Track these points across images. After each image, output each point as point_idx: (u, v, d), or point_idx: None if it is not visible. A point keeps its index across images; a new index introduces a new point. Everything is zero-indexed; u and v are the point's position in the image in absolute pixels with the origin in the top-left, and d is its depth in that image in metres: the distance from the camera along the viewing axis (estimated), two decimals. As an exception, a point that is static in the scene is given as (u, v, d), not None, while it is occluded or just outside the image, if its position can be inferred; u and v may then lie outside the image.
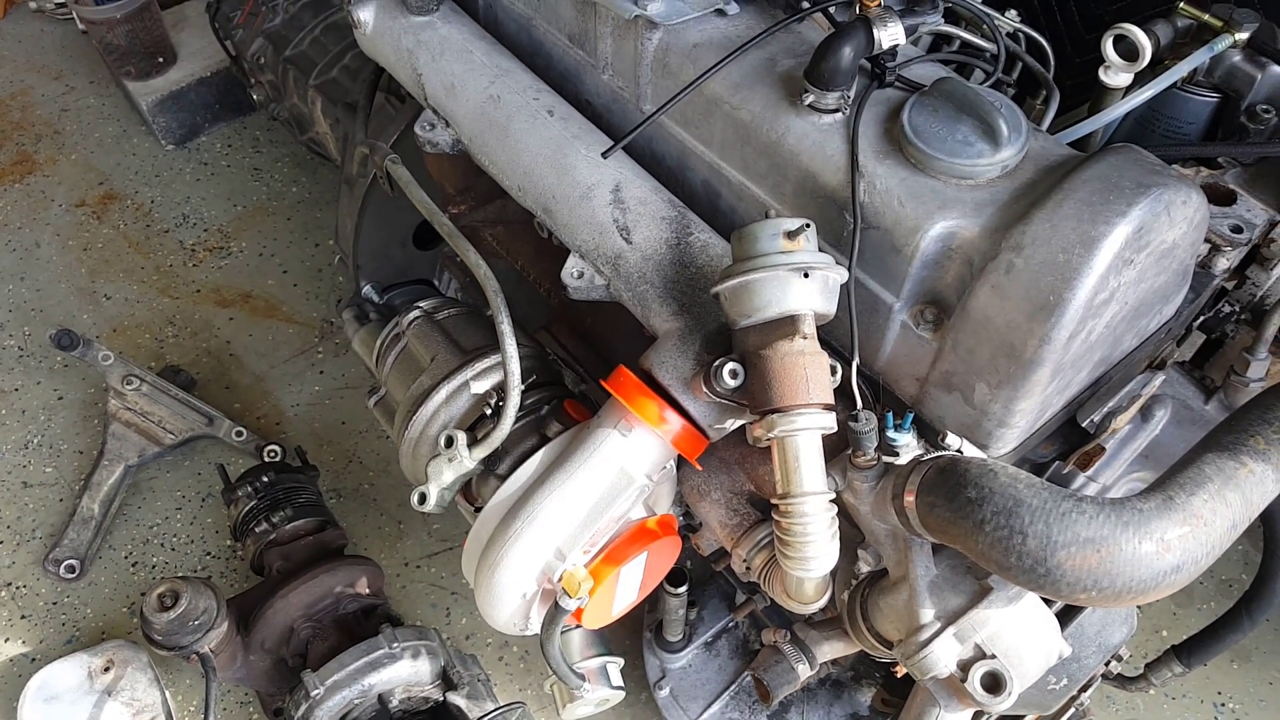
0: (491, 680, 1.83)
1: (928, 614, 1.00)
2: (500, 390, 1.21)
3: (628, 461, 1.08)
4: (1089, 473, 1.21)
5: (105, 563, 2.15)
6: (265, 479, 1.99)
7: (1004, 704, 0.96)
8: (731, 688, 1.79)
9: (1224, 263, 1.19)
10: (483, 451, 1.17)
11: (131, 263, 2.66)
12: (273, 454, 2.15)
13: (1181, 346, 1.41)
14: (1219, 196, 1.21)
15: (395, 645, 1.71)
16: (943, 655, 0.98)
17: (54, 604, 2.09)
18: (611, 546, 1.12)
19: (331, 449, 2.31)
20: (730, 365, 0.99)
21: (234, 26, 2.45)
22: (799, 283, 0.94)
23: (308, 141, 2.43)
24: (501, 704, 1.64)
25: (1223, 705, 1.99)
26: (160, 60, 2.84)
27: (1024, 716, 1.42)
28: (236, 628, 1.76)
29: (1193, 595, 2.12)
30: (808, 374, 0.95)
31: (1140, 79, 1.23)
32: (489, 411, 1.20)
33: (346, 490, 2.26)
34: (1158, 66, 1.23)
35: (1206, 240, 1.16)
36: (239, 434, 2.26)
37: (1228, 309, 1.33)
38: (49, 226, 2.74)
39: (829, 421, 0.97)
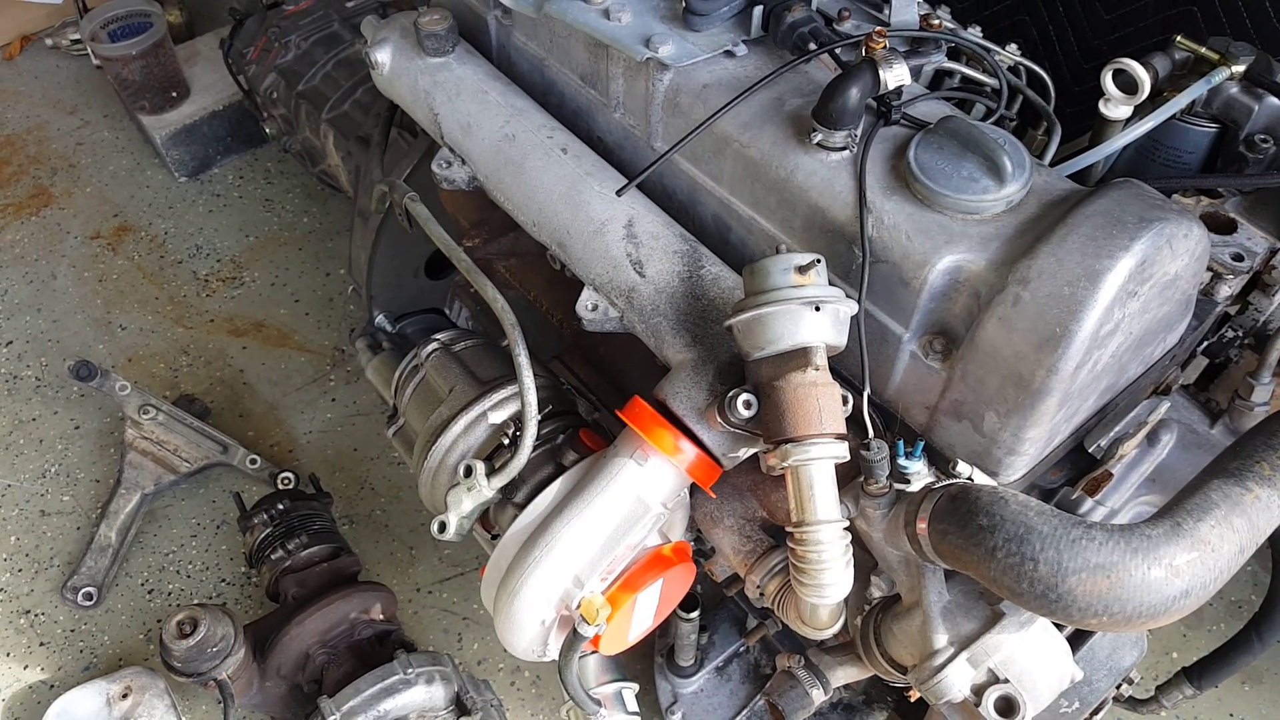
0: (504, 706, 1.84)
1: (941, 639, 1.01)
2: (517, 420, 1.23)
3: (644, 490, 1.10)
4: (1097, 498, 1.23)
5: (122, 590, 2.17)
6: (280, 506, 2.01)
7: (1018, 729, 0.98)
8: (743, 712, 1.80)
9: (1226, 290, 1.21)
10: (501, 480, 1.20)
11: (146, 293, 2.70)
12: (286, 481, 2.17)
13: (1185, 370, 1.43)
14: (1219, 225, 1.23)
15: (410, 671, 1.72)
16: (956, 680, 0.99)
17: (72, 631, 2.11)
18: (628, 574, 1.14)
19: (344, 475, 2.34)
20: (744, 396, 1.02)
21: (247, 62, 2.50)
22: (811, 316, 0.97)
23: (319, 174, 2.47)
24: (517, 730, 1.65)
25: (1235, 727, 1.99)
26: (174, 95, 2.89)
27: (1037, 739, 1.43)
28: (253, 654, 1.78)
29: (1202, 617, 2.13)
30: (820, 405, 0.97)
31: (1140, 111, 1.26)
32: (506, 441, 1.23)
33: (359, 517, 2.28)
34: (1156, 98, 1.26)
35: (1208, 268, 1.19)
36: (253, 461, 2.28)
37: (1231, 334, 1.35)
38: (65, 258, 2.78)
39: (842, 450, 0.99)
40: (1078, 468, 1.18)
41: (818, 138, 1.04)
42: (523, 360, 1.18)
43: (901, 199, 1.01)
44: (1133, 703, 1.63)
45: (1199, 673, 1.54)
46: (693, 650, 1.76)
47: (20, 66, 3.29)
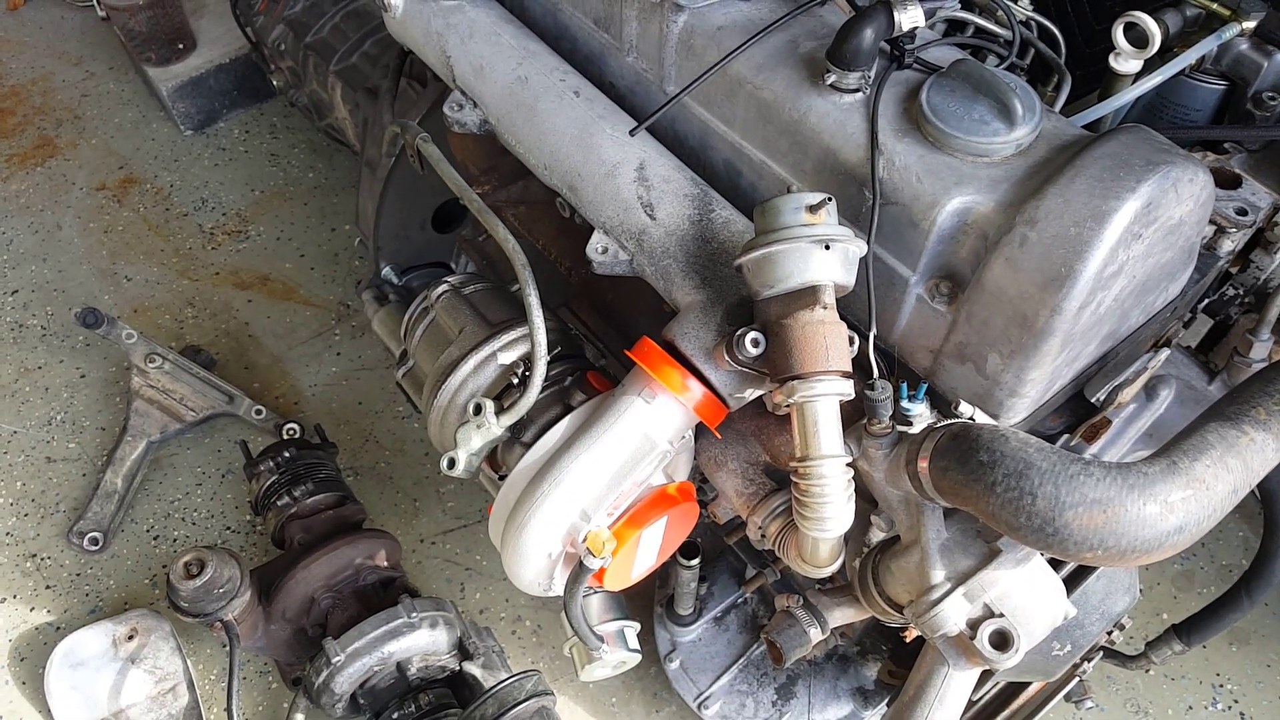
0: (505, 653, 1.87)
1: (938, 575, 1.03)
2: (527, 361, 1.25)
3: (651, 427, 1.12)
4: (1095, 447, 1.25)
5: (127, 536, 2.19)
6: (286, 454, 2.03)
7: (1011, 661, 1.00)
8: (740, 661, 1.83)
9: (1228, 244, 1.22)
10: (510, 419, 1.22)
11: (151, 245, 2.71)
12: (292, 431, 2.19)
13: (1187, 331, 1.45)
14: (1225, 180, 1.24)
15: (414, 615, 1.75)
16: (952, 614, 1.01)
17: (78, 575, 2.13)
18: (634, 510, 1.16)
19: (348, 428, 2.36)
20: (752, 334, 1.03)
21: (255, 13, 2.49)
22: (820, 254, 0.98)
23: (326, 128, 2.47)
24: (516, 672, 1.68)
25: (1220, 686, 2.03)
26: (180, 46, 2.88)
27: (1028, 684, 1.47)
28: (258, 598, 1.81)
29: (1193, 579, 2.16)
30: (827, 342, 0.99)
31: (1149, 66, 1.26)
32: (515, 381, 1.24)
33: (363, 469, 2.30)
34: (1166, 54, 1.27)
35: (1212, 222, 1.20)
36: (259, 412, 2.30)
37: (1232, 292, 1.37)
38: (70, 209, 2.78)
39: (847, 388, 1.01)
40: (1077, 415, 1.20)
41: (831, 79, 1.05)
42: (533, 300, 1.19)
43: (913, 141, 1.02)
44: (1122, 658, 1.66)
45: (1188, 629, 1.57)
46: (692, 599, 1.79)
47: (25, 17, 3.27)
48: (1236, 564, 2.17)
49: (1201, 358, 1.46)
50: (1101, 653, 1.48)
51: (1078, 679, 1.50)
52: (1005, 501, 0.90)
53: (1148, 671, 1.99)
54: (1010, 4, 1.23)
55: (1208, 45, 1.24)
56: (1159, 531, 0.87)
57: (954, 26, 1.26)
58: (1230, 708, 2.00)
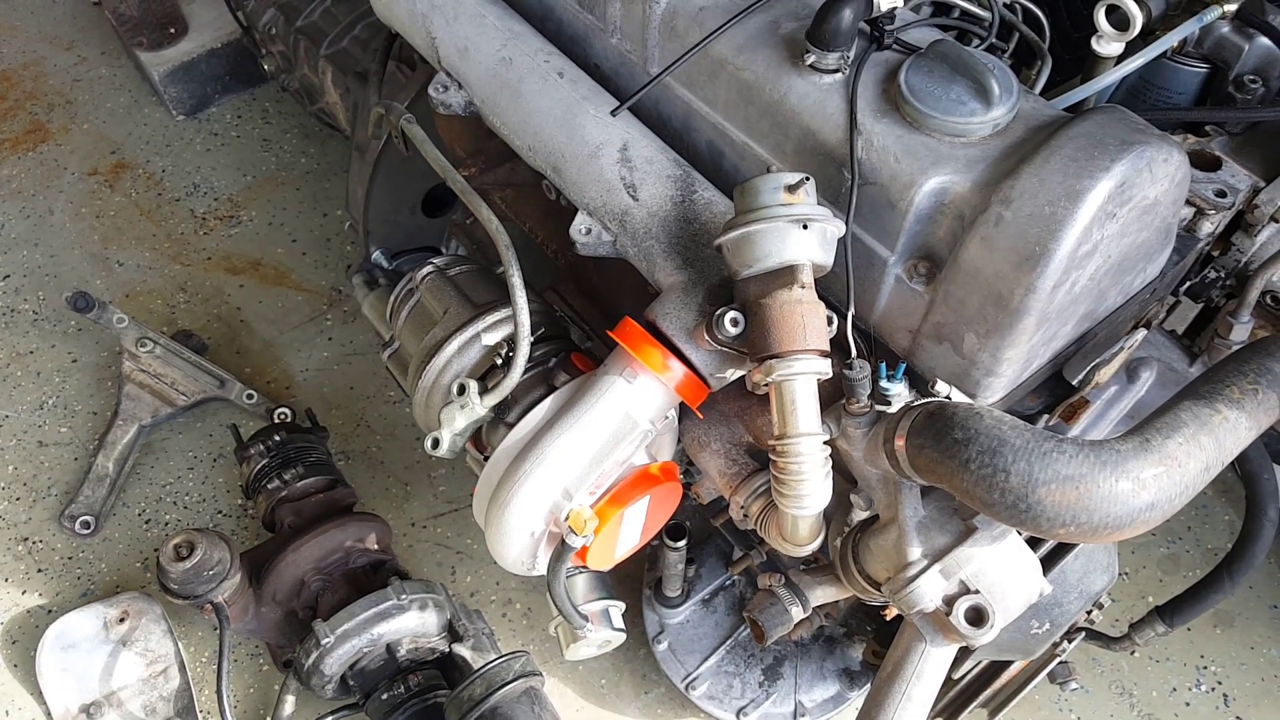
0: (495, 635, 1.89)
1: (915, 552, 1.05)
2: (510, 341, 1.25)
3: (632, 407, 1.13)
4: (1075, 428, 1.26)
5: (119, 520, 2.20)
6: (277, 438, 2.04)
7: (986, 637, 1.01)
8: (728, 642, 1.85)
9: (1208, 226, 1.23)
10: (493, 399, 1.22)
11: (143, 230, 2.71)
12: (283, 416, 2.20)
13: (1171, 315, 1.46)
14: (1205, 162, 1.25)
15: (403, 597, 1.76)
16: (929, 590, 1.03)
17: (70, 558, 2.15)
18: (616, 489, 1.17)
19: (340, 413, 2.37)
20: (731, 314, 1.04)
21: (246, -3, 2.48)
22: (798, 234, 0.99)
23: (317, 112, 2.47)
24: (505, 652, 1.69)
25: (1204, 669, 2.05)
26: (172, 31, 2.88)
27: (1010, 663, 1.48)
28: (248, 581, 1.82)
29: (1179, 563, 2.18)
30: (805, 321, 1.00)
31: (1131, 49, 1.27)
32: (499, 362, 1.25)
33: (355, 453, 2.31)
34: (1148, 37, 1.27)
35: (1191, 204, 1.21)
36: (250, 397, 2.31)
37: (1213, 275, 1.38)
38: (62, 194, 2.78)
39: (824, 367, 1.01)
40: (1056, 395, 1.21)
41: (811, 59, 1.06)
42: (516, 280, 1.20)
43: (891, 121, 1.03)
44: (1106, 640, 1.67)
45: (1171, 611, 1.58)
46: (679, 581, 1.80)
47: (16, 1, 3.26)
48: (1221, 547, 2.19)
49: (1186, 342, 1.47)
50: (1083, 633, 1.49)
51: (1058, 659, 1.51)
52: (979, 478, 0.91)
53: (1132, 653, 2.00)
54: (992, -15, 1.23)
55: (1189, 28, 1.25)
56: (1131, 508, 0.88)
57: (939, 8, 1.27)
58: (1214, 689, 2.02)
